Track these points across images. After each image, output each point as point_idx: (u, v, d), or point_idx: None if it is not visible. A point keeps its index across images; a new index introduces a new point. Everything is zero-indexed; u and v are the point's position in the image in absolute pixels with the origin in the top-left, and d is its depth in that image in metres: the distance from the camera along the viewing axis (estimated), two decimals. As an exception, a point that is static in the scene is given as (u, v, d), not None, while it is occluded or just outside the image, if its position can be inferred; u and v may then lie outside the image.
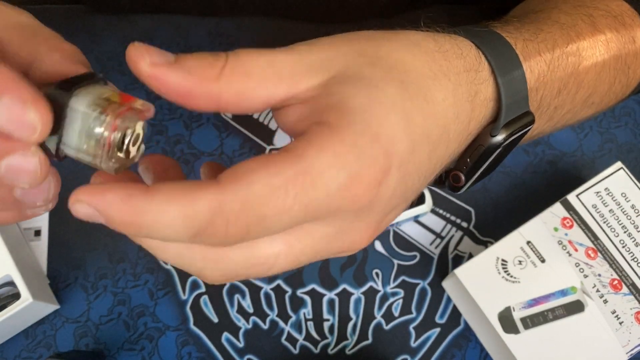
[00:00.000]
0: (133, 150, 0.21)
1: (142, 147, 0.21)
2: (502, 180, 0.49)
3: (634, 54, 0.35)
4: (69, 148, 0.20)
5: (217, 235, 0.19)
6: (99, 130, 0.19)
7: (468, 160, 0.28)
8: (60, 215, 0.47)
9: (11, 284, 0.41)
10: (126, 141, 0.20)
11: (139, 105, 0.20)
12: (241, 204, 0.19)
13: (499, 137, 0.27)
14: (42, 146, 0.20)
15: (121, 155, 0.20)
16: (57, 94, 0.20)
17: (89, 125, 0.19)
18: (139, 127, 0.21)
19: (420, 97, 0.23)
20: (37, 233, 0.46)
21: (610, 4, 0.36)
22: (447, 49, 0.25)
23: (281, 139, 0.50)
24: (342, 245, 0.23)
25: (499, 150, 0.27)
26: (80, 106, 0.20)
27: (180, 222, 0.18)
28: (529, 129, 0.28)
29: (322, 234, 0.21)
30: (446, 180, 0.30)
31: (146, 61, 0.20)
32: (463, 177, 0.29)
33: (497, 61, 0.26)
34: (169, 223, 0.18)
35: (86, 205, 0.19)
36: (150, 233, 0.19)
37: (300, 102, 0.22)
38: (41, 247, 0.46)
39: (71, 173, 0.48)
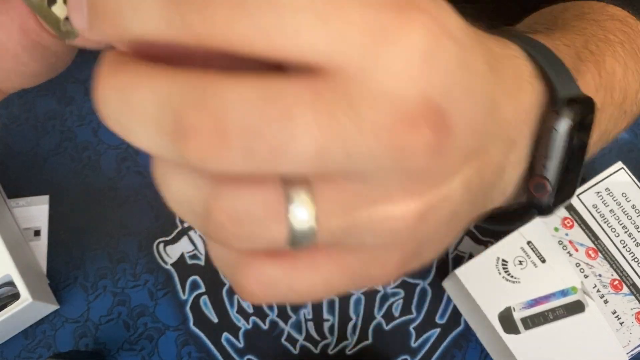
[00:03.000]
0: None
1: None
2: (503, 180, 0.49)
3: None
4: None
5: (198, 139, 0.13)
6: None
7: (542, 154, 0.22)
8: (60, 215, 0.47)
9: (11, 284, 0.41)
10: None
11: None
12: (227, 103, 0.13)
13: (566, 117, 0.22)
14: None
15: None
16: None
17: None
18: None
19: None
20: (37, 233, 0.46)
21: (608, 9, 0.35)
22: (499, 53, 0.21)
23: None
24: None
25: (575, 135, 0.22)
26: None
27: (151, 99, 0.14)
28: (594, 111, 0.24)
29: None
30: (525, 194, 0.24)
31: None
32: (548, 184, 0.23)
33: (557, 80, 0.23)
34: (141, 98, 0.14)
35: None
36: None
37: None
38: (41, 247, 0.46)
39: (74, 162, 0.48)
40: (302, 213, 0.16)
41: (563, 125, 0.22)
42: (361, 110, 0.14)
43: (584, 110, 0.23)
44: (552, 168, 0.22)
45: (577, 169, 0.24)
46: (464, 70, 0.15)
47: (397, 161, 0.14)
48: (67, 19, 0.19)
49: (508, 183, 0.23)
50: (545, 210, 0.23)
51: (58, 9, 0.20)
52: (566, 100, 0.22)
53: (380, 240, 0.16)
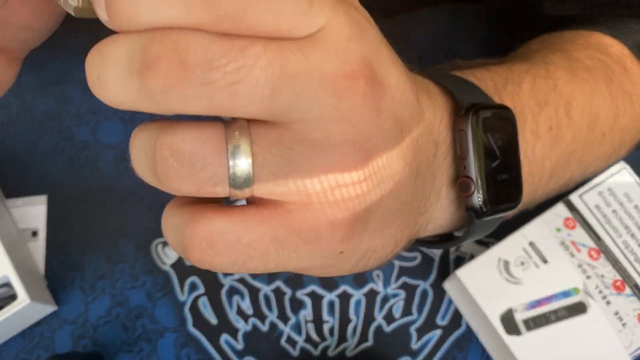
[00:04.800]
0: None
1: None
2: (504, 181, 0.49)
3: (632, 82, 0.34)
4: None
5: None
6: None
7: (460, 155, 0.24)
8: (58, 215, 0.47)
9: (8, 285, 0.41)
10: None
11: None
12: (189, 37, 0.16)
13: (471, 118, 0.23)
14: None
15: None
16: None
17: None
18: None
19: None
20: (35, 234, 0.46)
21: (592, 38, 0.35)
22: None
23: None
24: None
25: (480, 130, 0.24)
26: None
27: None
28: (502, 109, 0.26)
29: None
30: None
31: None
32: (471, 182, 0.23)
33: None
34: None
35: None
36: None
37: None
38: (39, 248, 0.46)
39: (73, 162, 0.48)
40: (242, 150, 0.17)
41: (469, 126, 0.24)
42: (312, 59, 0.16)
43: (494, 113, 0.25)
44: (471, 166, 0.23)
45: (512, 171, 0.25)
46: (389, 48, 0.19)
47: (336, 100, 0.17)
48: None
49: (440, 183, 0.24)
50: (480, 212, 0.24)
51: None
52: (469, 105, 0.24)
53: (324, 185, 0.18)
